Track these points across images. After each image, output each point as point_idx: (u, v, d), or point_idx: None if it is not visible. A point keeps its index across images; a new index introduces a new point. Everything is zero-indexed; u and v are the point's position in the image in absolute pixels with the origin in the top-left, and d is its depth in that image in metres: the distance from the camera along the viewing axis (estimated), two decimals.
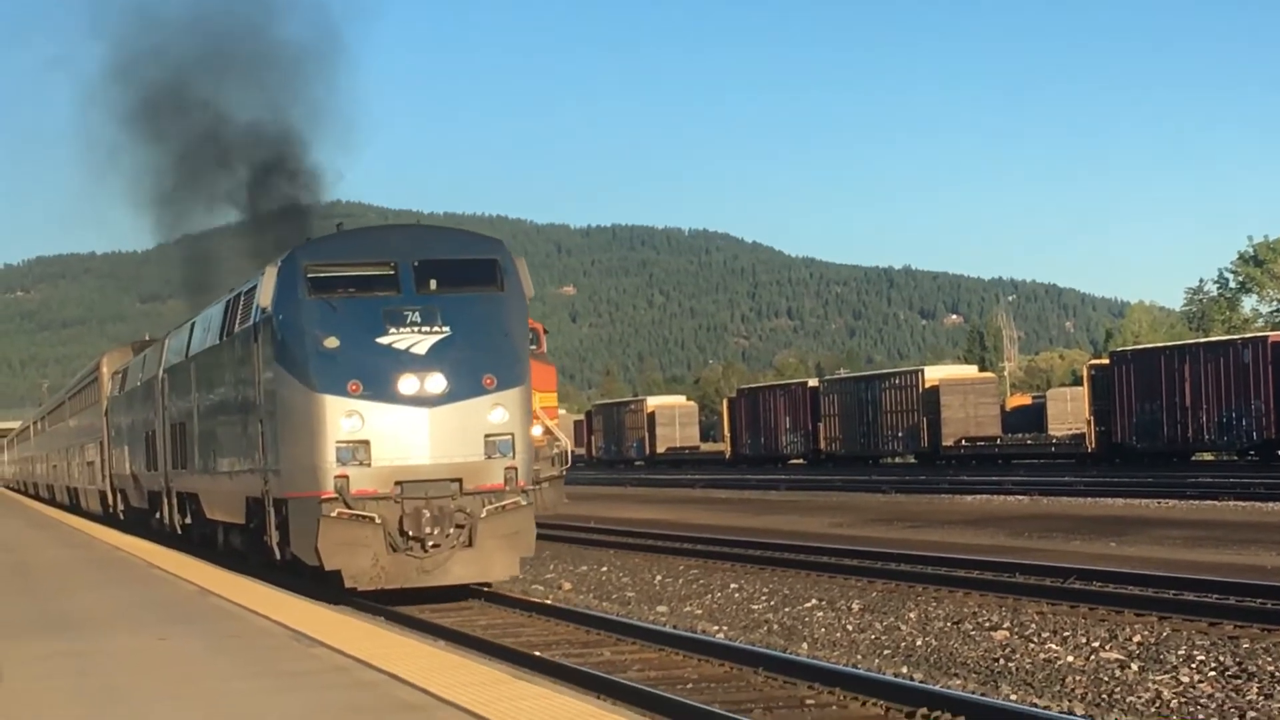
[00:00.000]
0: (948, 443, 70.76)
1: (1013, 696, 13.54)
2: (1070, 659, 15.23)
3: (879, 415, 74.38)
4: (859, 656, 16.18)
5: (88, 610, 17.24)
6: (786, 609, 20.06)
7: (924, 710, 12.15)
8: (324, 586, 20.92)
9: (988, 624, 17.57)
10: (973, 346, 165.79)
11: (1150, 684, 13.88)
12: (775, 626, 18.73)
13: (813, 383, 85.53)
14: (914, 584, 21.61)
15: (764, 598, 21.30)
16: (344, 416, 20.11)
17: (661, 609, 21.06)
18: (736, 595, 21.87)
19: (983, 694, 13.56)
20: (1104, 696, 13.52)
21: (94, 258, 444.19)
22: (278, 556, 22.13)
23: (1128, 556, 24.80)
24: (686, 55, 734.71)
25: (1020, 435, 73.14)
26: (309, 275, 20.94)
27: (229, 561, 25.47)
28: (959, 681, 14.48)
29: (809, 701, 13.25)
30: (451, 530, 20.24)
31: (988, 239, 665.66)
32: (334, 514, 20.04)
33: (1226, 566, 22.46)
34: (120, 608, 17.40)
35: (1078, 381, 78.25)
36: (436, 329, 20.51)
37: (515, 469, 20.68)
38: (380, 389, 20.17)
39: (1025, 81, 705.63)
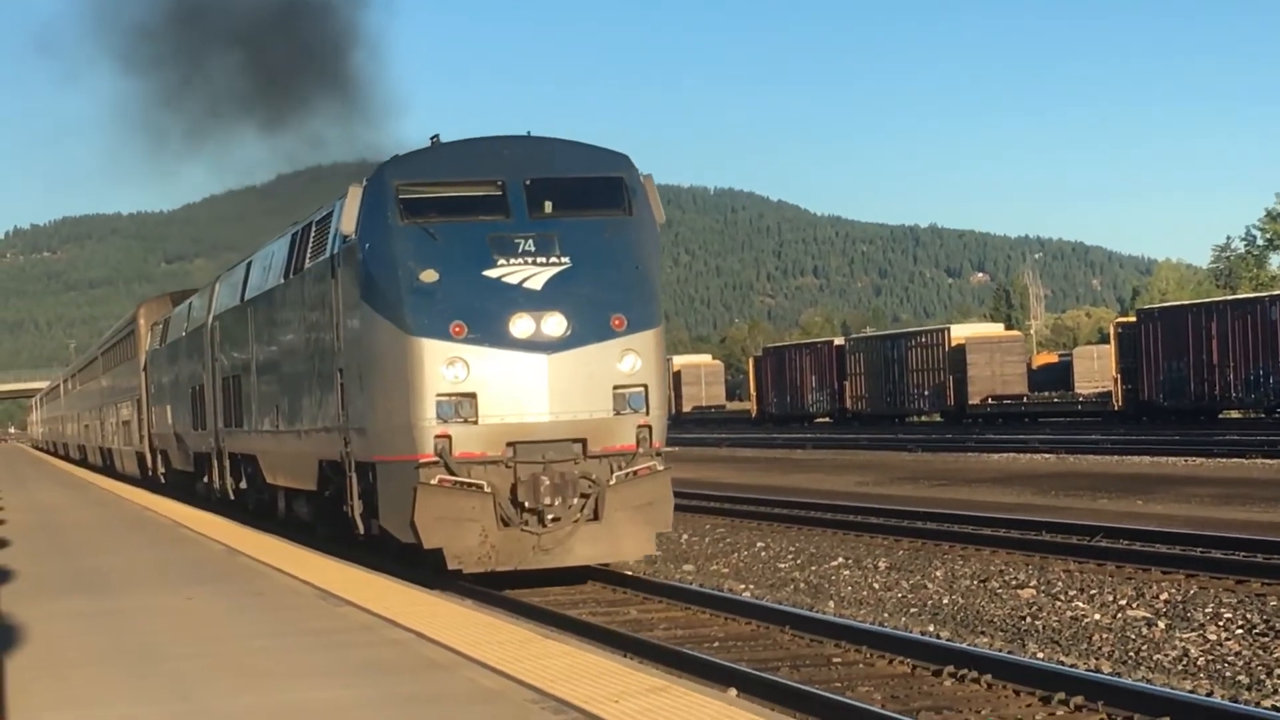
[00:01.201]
0: (974, 401, 70.65)
1: (1039, 654, 13.54)
2: (1097, 617, 15.21)
3: (905, 374, 74.24)
4: (885, 615, 16.19)
5: (116, 569, 17.32)
6: (813, 567, 20.07)
7: (950, 668, 12.15)
8: (415, 568, 18.20)
9: (1014, 582, 17.55)
10: (999, 305, 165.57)
11: (1177, 642, 13.85)
12: (802, 585, 18.75)
13: (838, 341, 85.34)
14: (940, 542, 21.60)
15: (790, 556, 21.32)
16: (445, 364, 17.18)
17: (688, 567, 21.07)
18: (763, 554, 21.89)
19: (1009, 652, 13.55)
20: (1131, 654, 13.50)
21: (120, 218, 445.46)
22: (360, 530, 19.18)
23: (1154, 514, 24.75)
24: (713, 12, 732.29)
25: (1047, 393, 73.05)
26: (401, 196, 17.80)
27: (287, 531, 23.09)
28: (985, 639, 14.48)
29: (835, 660, 13.27)
30: (575, 501, 17.30)
31: (1014, 197, 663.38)
32: (434, 481, 17.08)
33: (1254, 524, 22.40)
34: (148, 567, 17.49)
35: (1104, 339, 77.99)
36: (554, 260, 17.57)
37: (649, 427, 17.84)
38: (488, 331, 17.26)
39: (1054, 40, 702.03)
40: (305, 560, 17.40)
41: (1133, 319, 65.78)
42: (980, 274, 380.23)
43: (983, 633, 14.89)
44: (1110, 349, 65.43)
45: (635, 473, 17.63)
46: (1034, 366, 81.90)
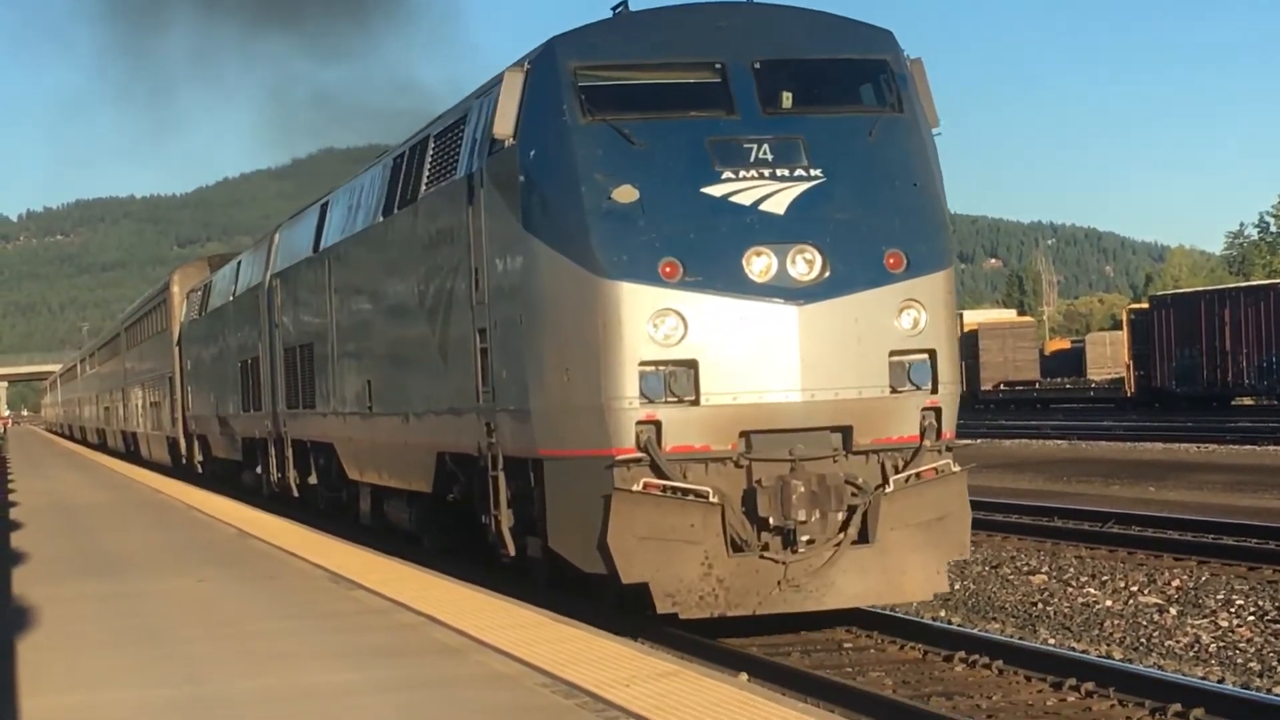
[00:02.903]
0: (986, 387, 70.62)
1: (1050, 640, 13.55)
2: (1109, 603, 15.21)
3: None
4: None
5: (127, 552, 17.35)
6: None
7: (961, 654, 12.16)
8: (584, 603, 13.64)
9: (1026, 568, 17.55)
10: (1012, 290, 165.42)
11: (1189, 628, 13.85)
12: None
13: None
14: None
15: None
16: (652, 319, 12.22)
17: None
18: None
19: (1020, 638, 13.56)
20: (1142, 641, 13.50)
21: (133, 201, 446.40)
22: (509, 551, 14.20)
23: (1167, 501, 24.73)
24: None
25: (1059, 380, 72.94)
26: (582, 85, 12.94)
27: (365, 537, 18.95)
28: (997, 625, 14.49)
29: (847, 645, 13.28)
30: (837, 515, 12.27)
31: (1027, 182, 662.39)
32: (636, 487, 12.12)
33: (1266, 511, 22.37)
34: (160, 550, 17.51)
35: (1117, 326, 77.94)
36: (801, 173, 12.66)
37: (938, 410, 12.81)
38: (714, 271, 12.30)
39: (1066, 22, 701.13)
40: (317, 544, 17.41)
41: (1145, 305, 65.72)
42: (993, 259, 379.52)
43: (994, 618, 14.90)
44: (1123, 335, 65.38)
45: (918, 475, 12.64)
46: (1046, 353, 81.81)
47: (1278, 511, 22.35)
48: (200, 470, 35.47)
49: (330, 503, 22.82)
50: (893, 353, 12.60)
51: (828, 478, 12.15)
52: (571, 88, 12.90)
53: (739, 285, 12.30)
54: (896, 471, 12.54)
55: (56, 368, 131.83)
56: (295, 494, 24.50)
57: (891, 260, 12.64)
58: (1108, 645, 13.40)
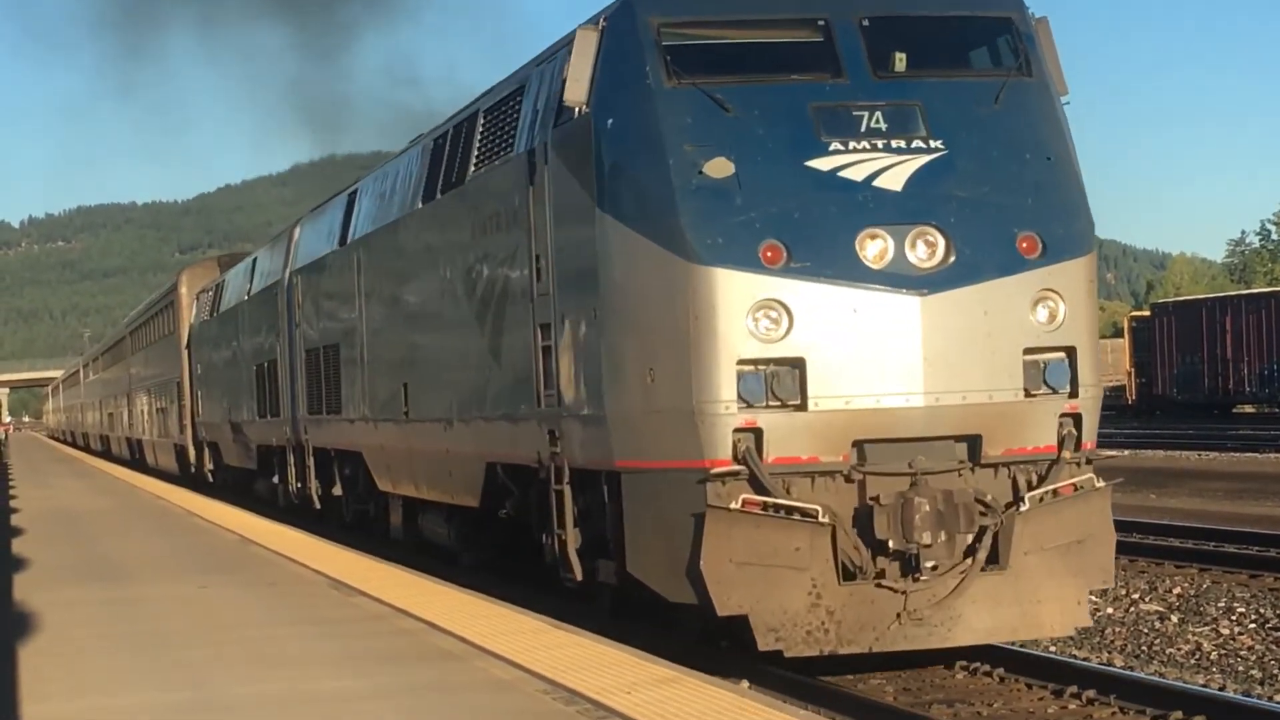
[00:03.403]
0: None
1: (1052, 649, 13.53)
2: (1109, 610, 15.20)
3: None
4: None
5: (129, 558, 17.35)
6: None
7: (963, 661, 12.14)
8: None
9: None
10: None
11: (1190, 636, 13.85)
12: None
13: None
14: None
15: None
16: (752, 311, 10.84)
17: None
18: None
19: (1022, 646, 13.55)
20: (1143, 649, 13.50)
21: (135, 208, 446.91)
22: (575, 575, 12.65)
23: (1167, 508, 24.72)
24: None
25: None
26: (666, 43, 11.56)
27: (393, 552, 18.08)
28: None
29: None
30: (966, 538, 10.92)
31: None
32: (734, 504, 10.68)
33: (1268, 519, 22.36)
34: (161, 556, 17.51)
35: (1118, 333, 77.78)
36: (919, 144, 11.31)
37: (1077, 417, 11.39)
38: (823, 256, 10.93)
39: (1065, 25, 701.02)
40: (317, 550, 17.40)
41: (1147, 313, 65.76)
42: None
43: None
44: (1124, 343, 65.34)
45: (1055, 492, 11.20)
46: None
47: (1279, 519, 22.34)
48: (211, 479, 34.13)
49: (357, 516, 21.22)
50: (1027, 350, 11.17)
51: (955, 494, 10.77)
52: (655, 47, 11.48)
53: (851, 272, 10.90)
54: (1031, 487, 11.14)
55: (58, 374, 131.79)
56: (317, 505, 22.95)
57: (1025, 244, 11.23)
58: (1109, 653, 13.40)
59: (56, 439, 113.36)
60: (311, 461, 22.87)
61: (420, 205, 16.71)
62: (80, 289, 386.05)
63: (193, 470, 35.65)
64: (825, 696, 11.12)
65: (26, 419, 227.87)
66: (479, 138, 14.93)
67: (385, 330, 18.40)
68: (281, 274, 24.63)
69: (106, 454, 62.30)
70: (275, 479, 25.91)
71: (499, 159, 14.20)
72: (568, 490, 12.60)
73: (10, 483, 39.48)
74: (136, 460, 48.75)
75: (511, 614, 11.75)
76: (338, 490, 21.86)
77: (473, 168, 14.98)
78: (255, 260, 28.40)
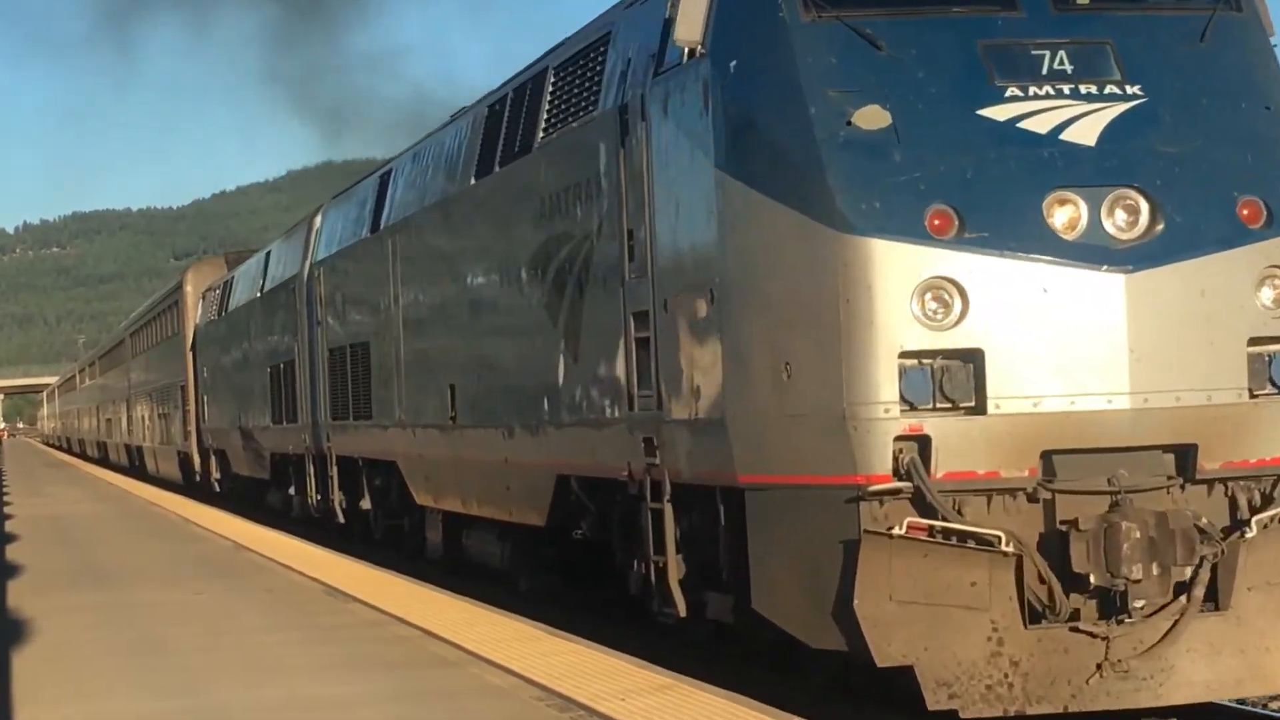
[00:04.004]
0: None
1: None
2: None
3: None
4: None
5: (124, 565, 17.34)
6: None
7: None
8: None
9: None
10: None
11: None
12: None
13: None
14: None
15: None
16: (918, 291, 9.00)
17: None
18: None
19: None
20: None
21: (129, 213, 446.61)
22: (678, 610, 10.74)
23: None
24: None
25: None
26: None
27: (413, 567, 17.03)
28: None
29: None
30: (1185, 571, 9.05)
31: None
32: (897, 529, 8.82)
33: None
34: (156, 563, 17.51)
35: None
36: (1113, 89, 9.47)
37: None
38: (1002, 224, 9.10)
39: None
40: (312, 557, 17.40)
41: None
42: None
43: None
44: None
45: None
46: None
47: None
48: (218, 489, 32.57)
49: (388, 532, 19.41)
50: (1251, 340, 9.23)
51: (1170, 518, 8.87)
52: None
53: (1039, 243, 9.04)
54: (1254, 509, 9.23)
55: (52, 380, 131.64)
56: (341, 519, 21.10)
57: (1246, 211, 9.31)
58: None
59: (52, 445, 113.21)
60: (335, 471, 20.99)
61: (473, 182, 14.91)
62: (75, 295, 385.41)
63: (197, 479, 34.22)
64: (821, 704, 11.08)
65: (21, 425, 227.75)
66: (549, 98, 13.06)
67: (427, 325, 16.51)
68: (300, 267, 22.94)
69: (104, 461, 61.48)
70: (292, 490, 24.26)
71: (576, 120, 12.31)
72: (668, 509, 10.68)
73: (5, 489, 39.45)
74: (136, 468, 47.68)
75: (507, 621, 11.76)
76: (366, 504, 20.04)
77: (541, 134, 13.12)
78: (269, 254, 26.58)
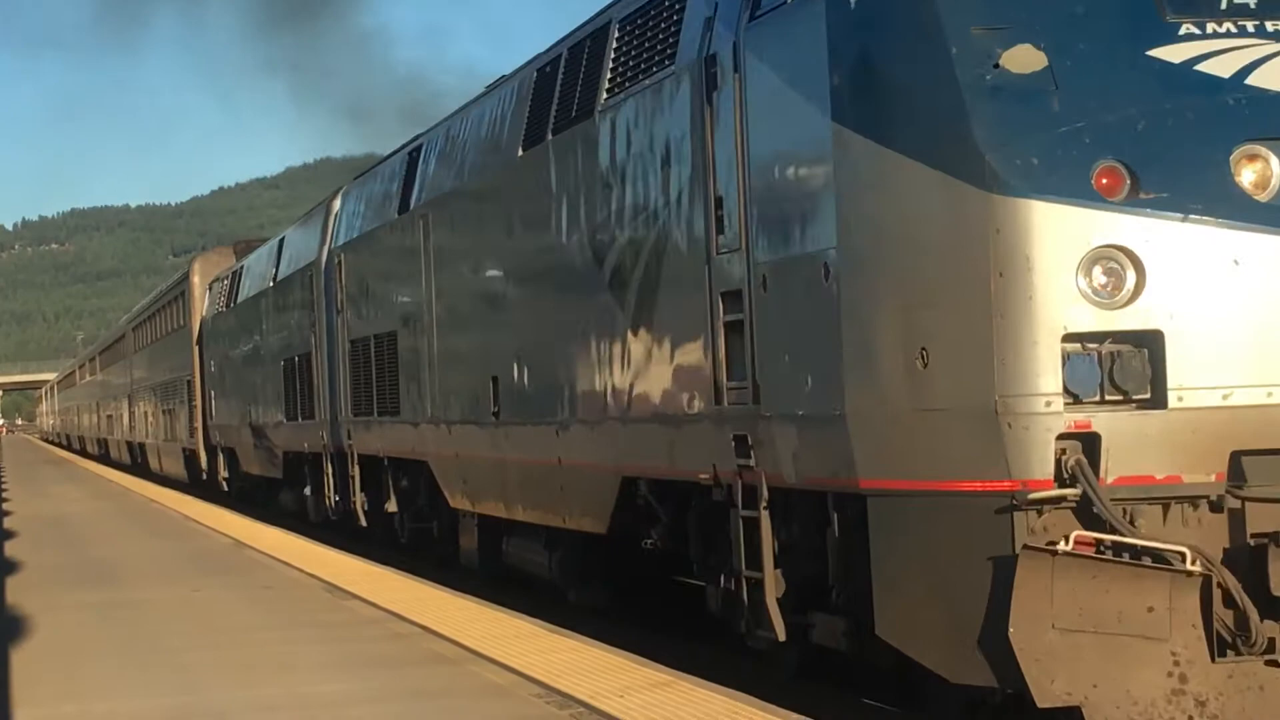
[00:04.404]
0: None
1: None
2: None
3: None
4: None
5: (122, 562, 17.33)
6: None
7: None
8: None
9: None
10: None
11: None
12: None
13: None
14: None
15: None
16: (1084, 262, 7.67)
17: None
18: None
19: None
20: None
21: (128, 210, 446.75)
22: (776, 633, 9.42)
23: None
24: None
25: None
26: None
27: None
28: None
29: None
30: None
31: None
32: (1062, 545, 7.47)
33: None
34: (155, 560, 17.50)
35: None
36: None
37: None
38: (1182, 183, 7.75)
39: None
40: (312, 554, 17.39)
41: None
42: None
43: None
44: None
45: None
46: None
47: None
48: (226, 488, 31.44)
49: (416, 536, 18.05)
50: None
51: None
52: None
53: (1228, 205, 7.66)
54: None
55: (51, 377, 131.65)
56: (363, 522, 19.70)
57: None
58: None
59: (51, 442, 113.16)
60: (357, 471, 19.61)
61: (520, 153, 13.53)
62: (73, 291, 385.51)
63: (204, 477, 33.10)
64: (821, 700, 11.08)
65: (19, 421, 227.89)
66: (613, 55, 11.68)
67: (465, 311, 15.09)
68: (318, 253, 21.60)
69: (105, 459, 60.47)
70: (308, 490, 22.97)
71: (649, 78, 10.92)
72: (765, 517, 9.36)
73: (3, 486, 39.44)
74: (139, 465, 46.76)
75: (506, 618, 11.75)
76: (391, 506, 18.59)
77: (604, 94, 11.71)
78: (282, 241, 25.29)
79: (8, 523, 24.47)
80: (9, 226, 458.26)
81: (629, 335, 11.18)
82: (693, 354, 10.16)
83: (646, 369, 10.93)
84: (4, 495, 34.49)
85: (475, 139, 15.09)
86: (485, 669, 9.48)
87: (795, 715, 8.09)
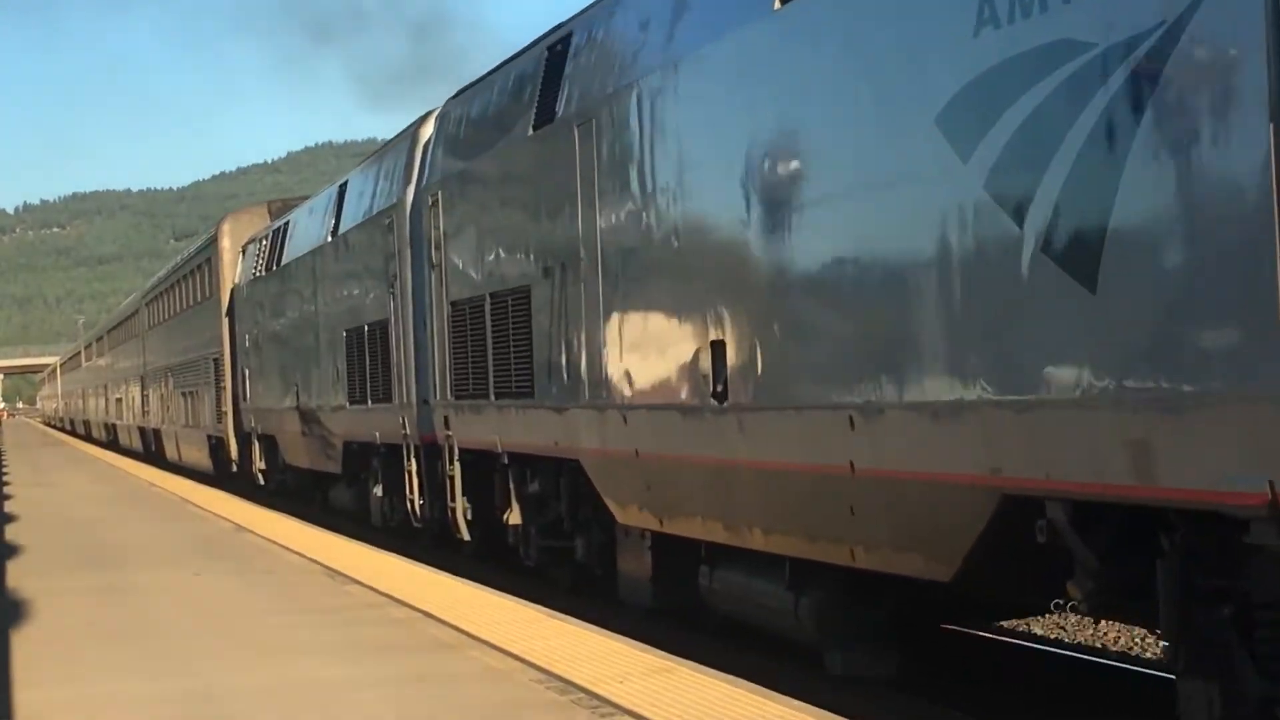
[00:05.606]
0: None
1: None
2: None
3: None
4: None
5: (124, 546, 17.33)
6: None
7: None
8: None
9: None
10: None
11: None
12: None
13: None
14: None
15: None
16: None
17: None
18: None
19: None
20: None
21: (129, 194, 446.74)
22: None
23: None
24: None
25: None
26: None
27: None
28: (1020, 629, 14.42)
29: None
30: None
31: None
32: None
33: None
34: (155, 544, 17.50)
35: None
36: None
37: None
38: None
39: None
40: (313, 538, 17.38)
41: None
42: None
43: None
44: None
45: None
46: None
47: None
48: (262, 481, 27.10)
49: (547, 555, 14.24)
50: None
51: None
52: None
53: None
54: None
55: (52, 360, 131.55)
56: (464, 535, 15.91)
57: None
58: None
59: (54, 426, 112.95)
60: (457, 469, 15.67)
61: (778, 5, 9.02)
62: (75, 275, 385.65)
63: (234, 469, 28.80)
64: (819, 687, 11.07)
65: (21, 405, 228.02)
66: None
67: (660, 247, 10.59)
68: (401, 194, 17.58)
69: (114, 445, 56.14)
70: (378, 490, 19.13)
71: None
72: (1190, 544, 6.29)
73: (4, 469, 39.46)
74: (153, 453, 41.87)
75: (507, 603, 11.73)
76: (514, 517, 14.59)
77: None
78: (344, 186, 21.02)
79: (9, 506, 24.49)
80: (10, 210, 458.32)
81: (1027, 274, 6.72)
82: (1178, 291, 5.86)
83: (1059, 321, 6.54)
84: (5, 477, 34.50)
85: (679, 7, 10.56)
86: (485, 654, 9.47)
87: (793, 700, 8.08)
